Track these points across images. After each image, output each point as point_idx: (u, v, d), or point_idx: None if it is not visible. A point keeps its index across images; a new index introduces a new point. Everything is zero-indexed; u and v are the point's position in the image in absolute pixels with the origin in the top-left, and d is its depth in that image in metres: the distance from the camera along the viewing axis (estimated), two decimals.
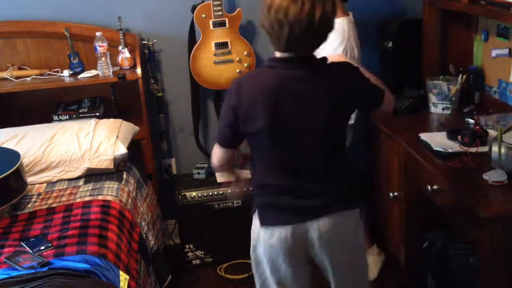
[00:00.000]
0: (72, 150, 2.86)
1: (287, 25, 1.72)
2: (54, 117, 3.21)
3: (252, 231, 2.03)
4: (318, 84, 1.83)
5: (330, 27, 1.80)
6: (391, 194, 2.84)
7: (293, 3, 1.70)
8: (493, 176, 2.10)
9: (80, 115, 3.20)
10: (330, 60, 1.91)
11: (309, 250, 1.97)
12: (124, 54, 3.26)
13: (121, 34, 3.22)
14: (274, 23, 1.74)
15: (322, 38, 1.81)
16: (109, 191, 2.69)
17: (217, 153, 2.00)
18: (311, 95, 1.83)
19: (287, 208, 1.91)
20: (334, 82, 1.86)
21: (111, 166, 2.86)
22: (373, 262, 3.11)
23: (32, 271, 2.01)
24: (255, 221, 2.00)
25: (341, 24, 2.74)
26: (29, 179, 2.73)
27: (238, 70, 3.25)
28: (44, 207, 2.58)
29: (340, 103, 1.87)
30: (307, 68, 1.84)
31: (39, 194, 2.72)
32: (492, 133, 2.44)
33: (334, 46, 2.69)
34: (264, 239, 1.95)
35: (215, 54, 3.22)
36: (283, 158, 1.90)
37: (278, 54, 1.86)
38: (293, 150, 1.88)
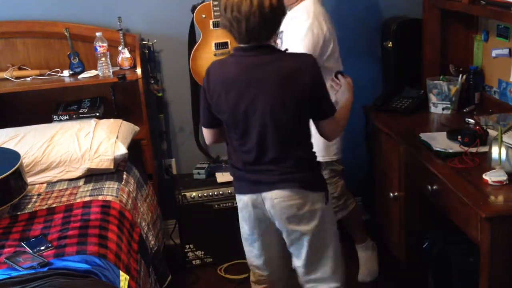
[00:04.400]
0: (72, 150, 2.86)
1: (243, 19, 1.94)
2: (54, 117, 3.21)
3: None
4: (275, 69, 2.01)
5: (281, 13, 2.02)
6: (391, 194, 2.84)
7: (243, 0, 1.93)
8: (493, 176, 2.11)
9: (80, 115, 3.20)
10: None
11: (272, 220, 2.20)
12: (124, 54, 3.26)
13: (121, 34, 3.22)
14: (232, 20, 1.97)
15: (276, 24, 2.03)
16: (109, 191, 2.69)
17: (205, 134, 2.29)
18: (267, 80, 2.01)
19: (247, 181, 2.17)
20: (291, 69, 2.01)
21: (111, 166, 2.86)
22: (369, 258, 3.09)
23: (32, 271, 2.01)
24: None
25: (305, 5, 2.68)
26: (29, 179, 2.73)
27: None
28: (44, 207, 2.58)
29: (295, 90, 2.01)
30: (265, 54, 2.03)
31: (39, 194, 2.72)
32: (492, 133, 2.44)
33: (299, 26, 2.63)
34: (237, 203, 2.28)
35: (215, 54, 3.22)
36: (243, 142, 2.11)
37: (240, 46, 2.06)
38: (250, 135, 2.08)
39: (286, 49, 2.13)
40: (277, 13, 1.99)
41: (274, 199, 2.12)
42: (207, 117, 2.19)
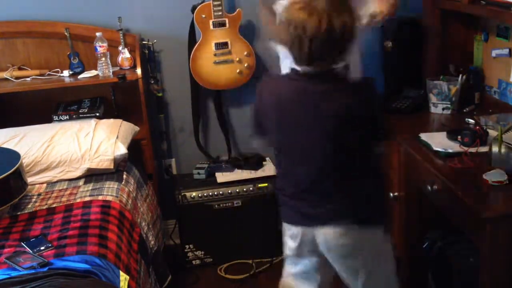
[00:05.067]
0: (72, 150, 2.86)
1: (307, 39, 1.74)
2: (54, 117, 3.21)
3: None
4: (335, 100, 1.86)
5: (351, 38, 1.81)
6: (391, 194, 2.83)
7: (311, 18, 1.73)
8: (493, 176, 2.10)
9: (80, 115, 3.20)
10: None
11: (320, 251, 2.08)
12: (124, 54, 3.26)
13: (121, 34, 3.22)
14: (294, 38, 1.76)
15: (343, 49, 1.82)
16: (109, 191, 2.69)
17: (260, 144, 2.14)
18: (327, 111, 1.86)
19: (296, 212, 2.03)
20: (352, 100, 1.87)
21: (111, 166, 2.86)
22: None
23: (32, 271, 2.01)
24: None
25: None
26: (29, 179, 2.73)
27: (238, 70, 3.25)
28: (44, 207, 2.58)
29: (355, 121, 1.88)
30: (326, 83, 1.86)
31: (39, 194, 2.72)
32: (492, 133, 2.44)
33: None
34: (284, 231, 2.15)
35: (215, 54, 3.22)
36: (295, 170, 1.98)
37: (299, 68, 1.88)
38: (304, 164, 1.95)
39: (347, 72, 1.94)
40: (347, 38, 1.79)
41: (327, 235, 1.99)
42: (260, 129, 2.05)
